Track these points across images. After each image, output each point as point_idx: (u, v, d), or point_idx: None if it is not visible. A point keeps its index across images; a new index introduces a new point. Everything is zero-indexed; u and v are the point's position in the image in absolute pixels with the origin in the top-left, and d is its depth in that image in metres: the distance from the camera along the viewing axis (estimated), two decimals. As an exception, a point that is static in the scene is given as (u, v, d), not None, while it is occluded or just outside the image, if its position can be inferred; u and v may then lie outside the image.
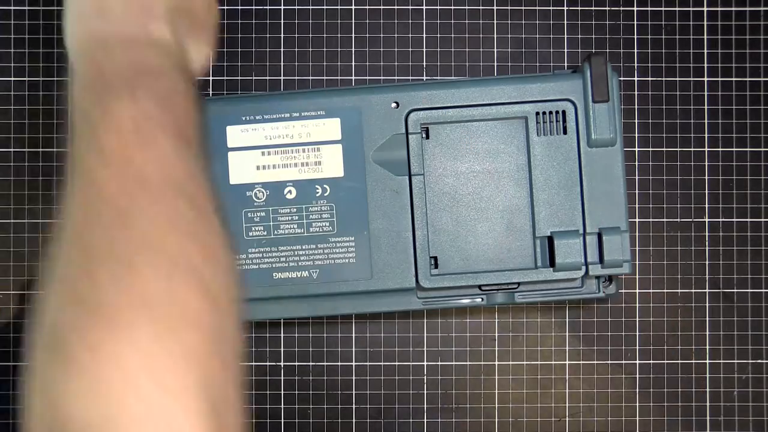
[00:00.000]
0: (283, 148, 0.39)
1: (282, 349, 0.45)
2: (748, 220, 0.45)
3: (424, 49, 0.45)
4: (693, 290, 0.45)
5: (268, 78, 0.45)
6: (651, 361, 0.45)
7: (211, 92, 0.45)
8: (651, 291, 0.45)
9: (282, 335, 0.45)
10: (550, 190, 0.38)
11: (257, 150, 0.39)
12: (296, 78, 0.45)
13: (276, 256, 0.38)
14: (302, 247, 0.38)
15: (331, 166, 0.39)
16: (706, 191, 0.45)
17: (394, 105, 0.39)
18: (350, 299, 0.39)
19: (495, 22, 0.45)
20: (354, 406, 0.44)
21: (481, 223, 0.39)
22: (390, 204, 0.38)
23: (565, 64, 0.45)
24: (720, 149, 0.45)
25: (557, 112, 0.39)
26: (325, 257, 0.38)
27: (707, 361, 0.45)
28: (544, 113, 0.39)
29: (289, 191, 0.39)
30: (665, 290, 0.44)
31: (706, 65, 0.45)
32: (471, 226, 0.39)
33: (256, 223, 0.38)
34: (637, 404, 0.45)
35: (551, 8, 0.45)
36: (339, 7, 0.45)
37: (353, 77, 0.45)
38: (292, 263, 0.38)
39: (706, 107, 0.45)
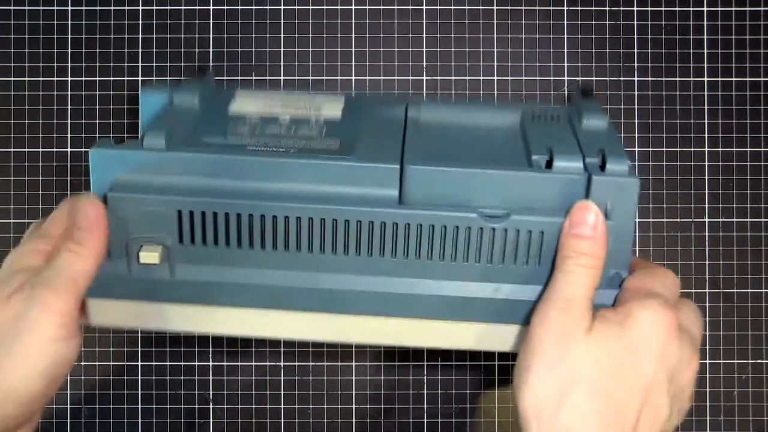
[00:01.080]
0: (287, 100, 0.39)
1: (282, 349, 0.45)
2: (748, 220, 0.45)
3: (424, 49, 0.45)
4: (693, 290, 0.45)
5: (268, 78, 0.45)
6: (651, 361, 0.45)
7: (211, 92, 0.45)
8: (651, 291, 0.44)
9: (282, 335, 0.45)
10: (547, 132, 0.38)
11: (262, 101, 0.39)
12: (296, 78, 0.45)
13: (255, 142, 0.36)
14: (286, 138, 0.37)
15: (330, 112, 0.39)
16: (706, 191, 0.45)
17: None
18: (326, 174, 0.34)
19: (495, 22, 0.45)
20: (354, 406, 0.44)
21: (476, 148, 0.37)
22: (382, 130, 0.37)
23: (565, 64, 0.45)
24: (720, 149, 0.45)
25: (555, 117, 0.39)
26: (306, 144, 0.36)
27: (707, 361, 0.45)
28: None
29: (284, 119, 0.38)
30: (665, 290, 0.44)
31: (706, 65, 0.45)
32: (465, 150, 0.37)
33: (242, 133, 0.37)
34: (637, 404, 0.45)
35: (551, 8, 0.45)
36: (339, 7, 0.45)
37: (353, 77, 0.45)
38: (272, 148, 0.36)
39: (706, 107, 0.45)
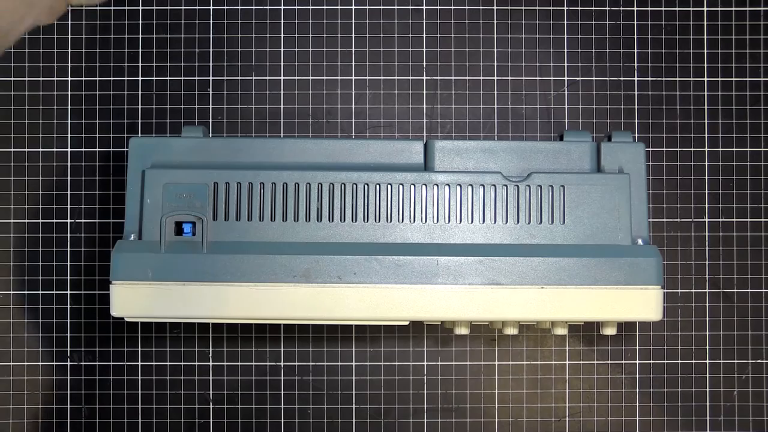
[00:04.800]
0: None
1: (282, 349, 0.45)
2: (748, 220, 0.45)
3: (424, 49, 0.45)
4: (693, 290, 0.45)
5: (268, 78, 0.45)
6: (651, 361, 0.45)
7: (211, 92, 0.45)
8: (651, 291, 0.45)
9: (282, 335, 0.45)
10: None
11: None
12: (296, 78, 0.45)
13: None
14: None
15: None
16: (706, 191, 0.45)
17: None
18: (353, 150, 0.38)
19: (495, 22, 0.45)
20: (354, 406, 0.44)
21: None
22: None
23: (565, 64, 0.45)
24: (720, 149, 0.45)
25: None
26: None
27: (707, 361, 0.45)
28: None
29: None
30: (665, 290, 0.44)
31: (706, 65, 0.45)
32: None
33: None
34: (637, 404, 0.45)
35: (551, 8, 0.45)
36: (339, 7, 0.45)
37: (353, 77, 0.45)
38: None
39: (706, 107, 0.45)
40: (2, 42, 0.30)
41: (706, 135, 0.45)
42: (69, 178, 0.45)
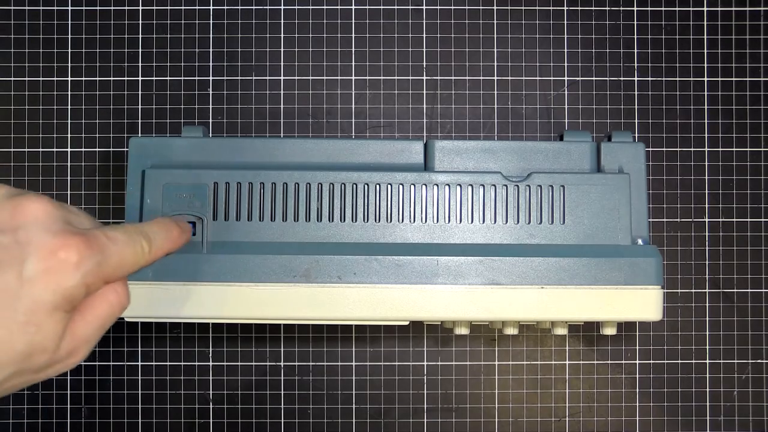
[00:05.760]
0: None
1: (282, 349, 0.45)
2: (748, 220, 0.45)
3: (424, 49, 0.45)
4: (693, 290, 0.45)
5: (268, 78, 0.45)
6: (651, 361, 0.45)
7: (211, 92, 0.45)
8: (651, 291, 0.45)
9: (282, 335, 0.45)
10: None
11: None
12: (296, 78, 0.45)
13: None
14: None
15: None
16: (706, 191, 0.45)
17: None
18: (352, 150, 0.38)
19: (495, 22, 0.45)
20: (354, 406, 0.44)
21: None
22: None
23: (565, 64, 0.45)
24: (720, 149, 0.45)
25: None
26: None
27: (707, 361, 0.45)
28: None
29: None
30: (665, 290, 0.44)
31: (706, 65, 0.45)
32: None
33: None
34: (637, 404, 0.45)
35: (551, 8, 0.45)
36: (339, 7, 0.45)
37: (353, 77, 0.45)
38: None
39: (706, 107, 0.45)
40: None
41: (706, 135, 0.45)
42: (69, 178, 0.45)
